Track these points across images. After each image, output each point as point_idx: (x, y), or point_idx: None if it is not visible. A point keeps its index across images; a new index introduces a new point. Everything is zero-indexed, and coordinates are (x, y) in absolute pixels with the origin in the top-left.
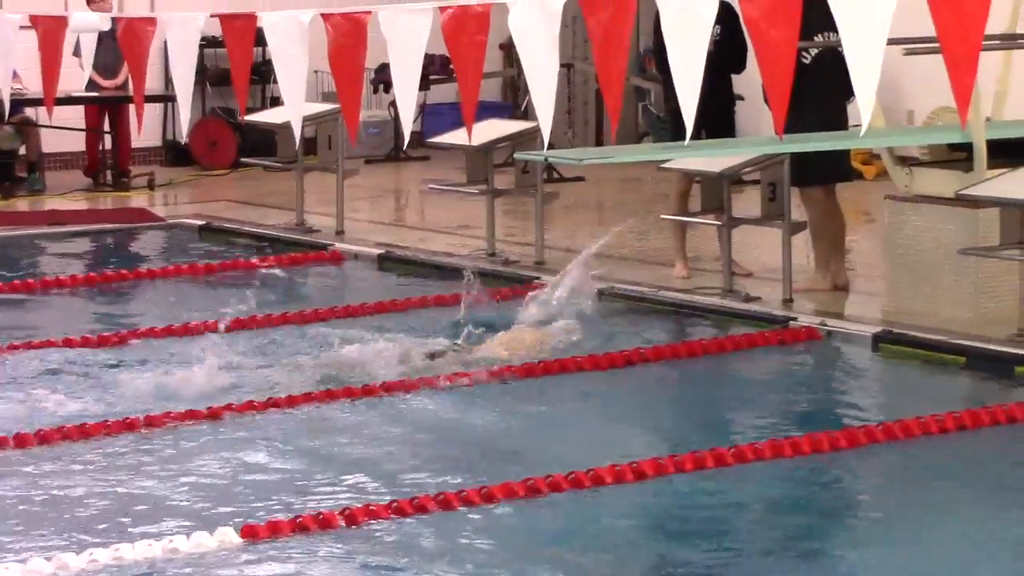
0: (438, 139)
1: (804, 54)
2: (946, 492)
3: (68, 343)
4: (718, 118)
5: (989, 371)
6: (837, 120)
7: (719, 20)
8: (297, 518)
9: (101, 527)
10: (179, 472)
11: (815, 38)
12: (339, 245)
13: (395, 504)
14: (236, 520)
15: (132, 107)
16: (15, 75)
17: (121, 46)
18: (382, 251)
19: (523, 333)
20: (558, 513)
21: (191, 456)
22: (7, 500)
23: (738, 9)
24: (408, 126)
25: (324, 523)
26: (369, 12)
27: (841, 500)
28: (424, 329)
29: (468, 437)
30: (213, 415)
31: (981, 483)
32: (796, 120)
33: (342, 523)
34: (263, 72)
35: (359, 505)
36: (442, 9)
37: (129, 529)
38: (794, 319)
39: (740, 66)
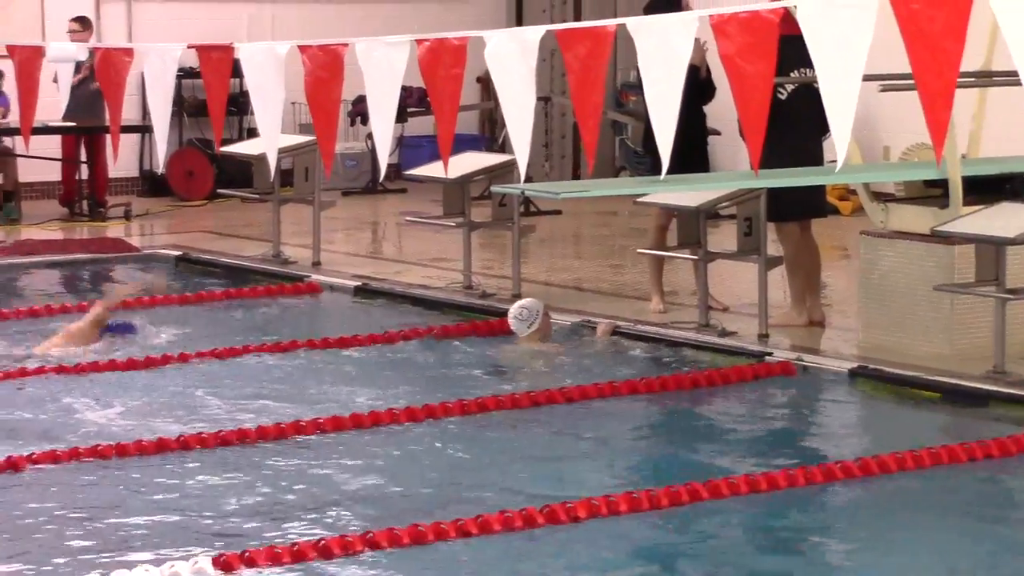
0: (415, 171)
1: (780, 90)
2: (922, 528)
3: (39, 371)
4: (691, 152)
5: (964, 407)
6: (813, 156)
7: None
8: (274, 548)
9: (78, 555)
10: (153, 501)
11: (791, 74)
12: (315, 276)
13: (370, 536)
14: (210, 551)
15: (109, 137)
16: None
17: (98, 76)
18: (358, 283)
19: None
20: (533, 547)
21: (165, 484)
22: None
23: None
24: (384, 158)
25: (298, 555)
26: (346, 44)
27: (816, 536)
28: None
29: (443, 468)
30: (184, 445)
31: (957, 519)
32: (772, 155)
33: (316, 555)
34: (240, 103)
35: (335, 536)
36: (419, 41)
37: (102, 559)
38: (770, 354)
39: (709, 96)
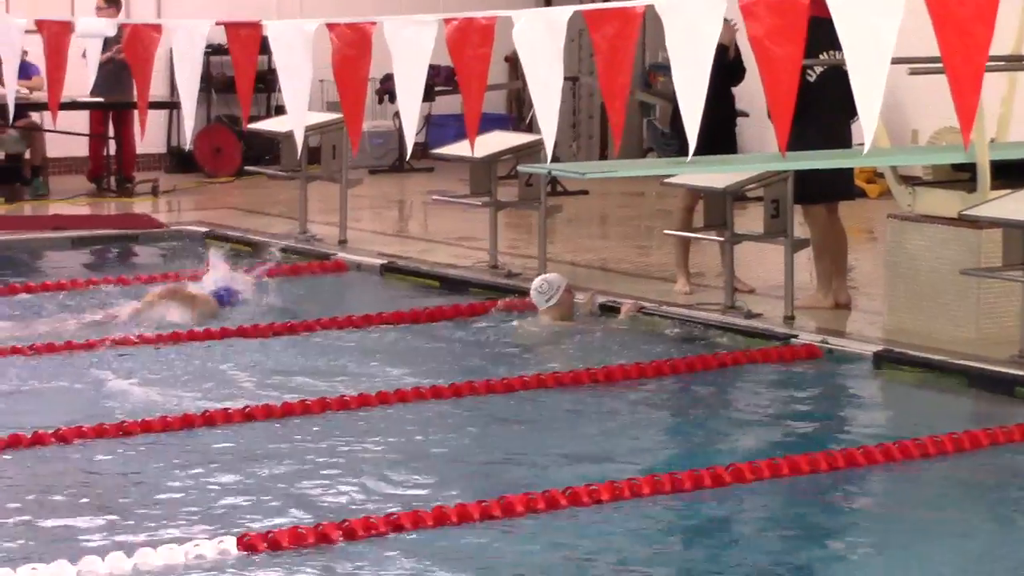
0: (442, 151)
1: (809, 72)
2: (944, 513)
3: (70, 346)
4: (718, 133)
5: (990, 392)
6: (841, 138)
7: None
8: (297, 529)
9: (101, 533)
10: (177, 478)
11: (820, 56)
12: (342, 254)
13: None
14: (235, 530)
15: (137, 113)
16: (32, 78)
17: (126, 52)
18: (385, 261)
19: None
20: (556, 529)
21: (190, 461)
22: None
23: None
24: (411, 137)
25: (322, 536)
26: (374, 23)
27: (838, 520)
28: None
29: (467, 449)
30: (209, 421)
31: (980, 505)
32: (799, 137)
33: (340, 536)
34: (268, 80)
35: (359, 517)
36: (447, 21)
37: (122, 537)
38: (795, 336)
39: (738, 78)
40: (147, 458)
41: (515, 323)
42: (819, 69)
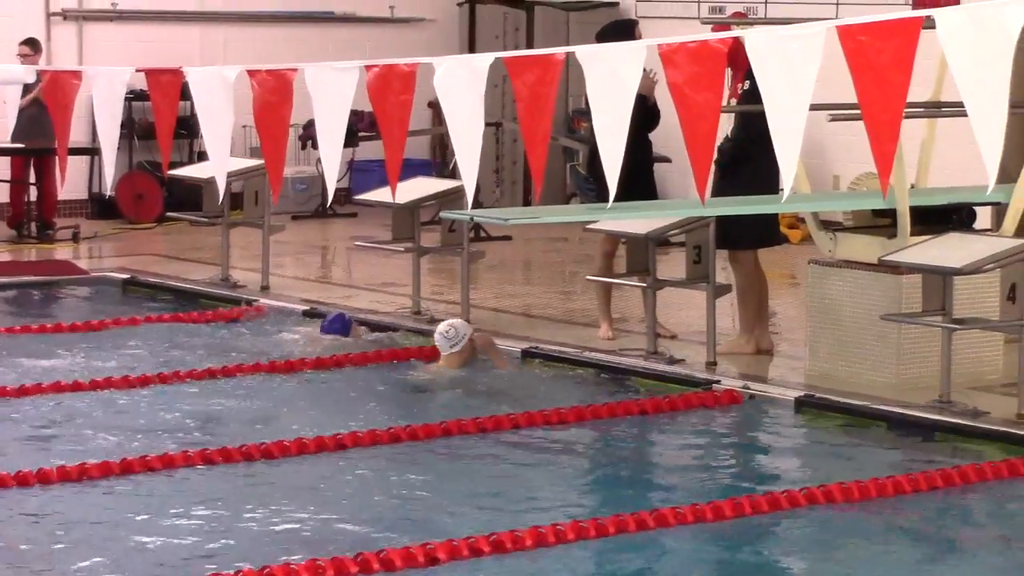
0: (364, 196)
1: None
2: (866, 558)
3: None
4: (638, 179)
5: (910, 436)
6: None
7: None
8: None
9: None
10: (82, 527)
11: None
12: (264, 300)
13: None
14: None
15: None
16: None
17: (46, 99)
18: (307, 307)
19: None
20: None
21: (97, 511)
22: None
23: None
24: (332, 183)
25: None
26: (295, 69)
27: (762, 566)
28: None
29: (388, 497)
30: (126, 468)
31: (901, 550)
32: (753, 182)
33: None
34: (190, 126)
35: (279, 564)
36: (368, 67)
37: None
38: (717, 382)
39: (653, 124)
40: (61, 506)
41: (418, 369)
42: None
